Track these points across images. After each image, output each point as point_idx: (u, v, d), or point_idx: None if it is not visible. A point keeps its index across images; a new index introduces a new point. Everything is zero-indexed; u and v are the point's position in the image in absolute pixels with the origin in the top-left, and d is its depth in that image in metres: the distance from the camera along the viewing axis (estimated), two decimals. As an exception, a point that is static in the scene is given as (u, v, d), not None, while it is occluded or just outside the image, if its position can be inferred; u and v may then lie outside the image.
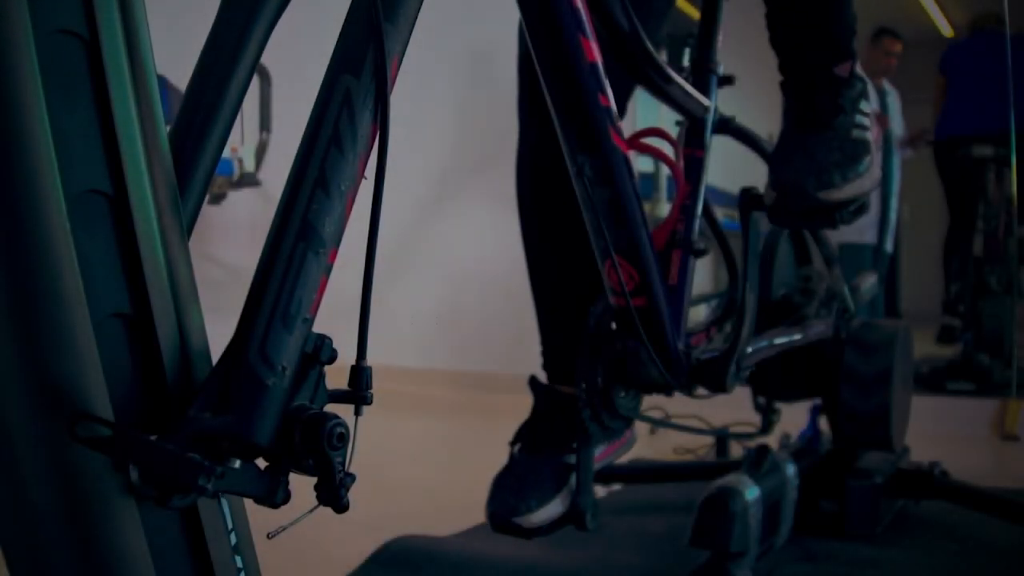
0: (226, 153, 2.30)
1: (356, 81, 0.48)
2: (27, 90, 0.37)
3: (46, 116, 0.37)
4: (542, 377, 1.07)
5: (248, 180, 2.31)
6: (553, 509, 0.95)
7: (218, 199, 2.38)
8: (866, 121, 0.93)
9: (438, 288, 2.97)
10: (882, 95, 3.57)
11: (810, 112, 0.90)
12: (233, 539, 0.45)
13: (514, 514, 0.94)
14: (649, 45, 0.91)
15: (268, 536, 0.45)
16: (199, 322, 0.45)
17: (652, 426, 1.95)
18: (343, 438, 0.44)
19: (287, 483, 0.45)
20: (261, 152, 2.35)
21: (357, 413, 0.47)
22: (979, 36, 3.04)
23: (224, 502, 0.45)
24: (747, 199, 0.98)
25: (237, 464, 0.42)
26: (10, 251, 0.36)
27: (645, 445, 1.87)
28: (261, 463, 0.45)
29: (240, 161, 2.30)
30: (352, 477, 0.45)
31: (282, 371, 0.44)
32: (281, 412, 0.44)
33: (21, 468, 0.37)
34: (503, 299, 2.86)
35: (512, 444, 1.01)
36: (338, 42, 0.50)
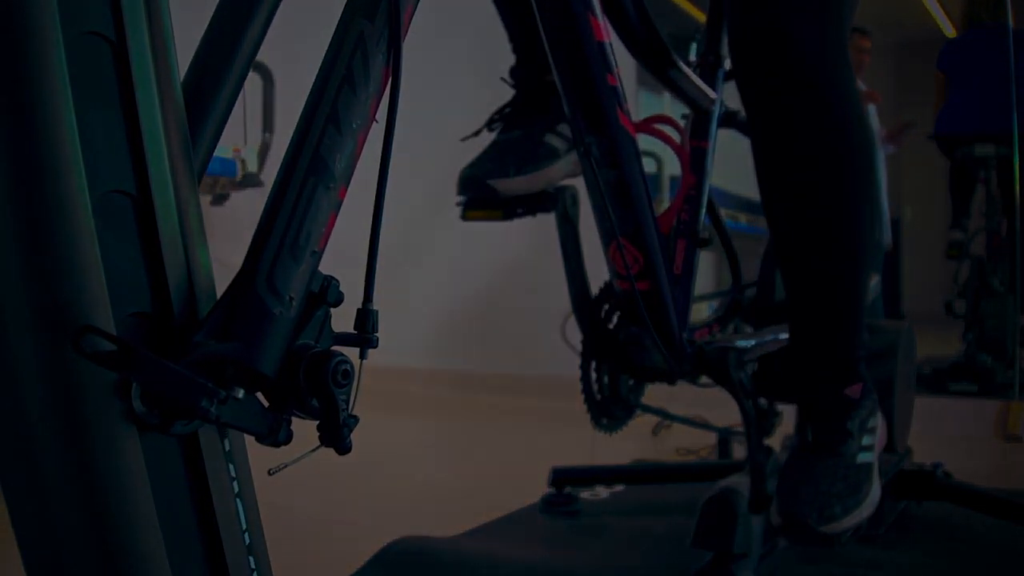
0: (229, 154, 2.31)
1: (370, 25, 0.48)
2: (55, 91, 0.37)
3: (73, 117, 0.38)
4: None
5: (251, 181, 2.31)
6: (528, 182, 0.97)
7: (221, 200, 2.37)
8: (872, 440, 0.95)
9: (442, 289, 2.96)
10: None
11: (820, 436, 0.92)
12: (233, 475, 0.44)
13: (490, 176, 0.96)
14: (660, 33, 0.92)
15: (269, 472, 0.45)
16: None
17: (655, 424, 1.94)
18: (348, 375, 0.44)
19: (289, 422, 0.45)
20: (264, 153, 2.35)
21: (362, 356, 0.46)
22: (978, 31, 2.95)
23: (226, 441, 0.44)
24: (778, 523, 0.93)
25: (241, 394, 0.42)
26: (37, 249, 0.37)
27: (647, 445, 1.85)
28: (264, 402, 0.45)
29: (243, 162, 2.29)
30: (355, 419, 0.45)
31: (289, 302, 0.43)
32: (286, 344, 0.43)
33: (22, 384, 0.37)
34: (508, 300, 2.86)
35: (490, 128, 1.04)
36: None
